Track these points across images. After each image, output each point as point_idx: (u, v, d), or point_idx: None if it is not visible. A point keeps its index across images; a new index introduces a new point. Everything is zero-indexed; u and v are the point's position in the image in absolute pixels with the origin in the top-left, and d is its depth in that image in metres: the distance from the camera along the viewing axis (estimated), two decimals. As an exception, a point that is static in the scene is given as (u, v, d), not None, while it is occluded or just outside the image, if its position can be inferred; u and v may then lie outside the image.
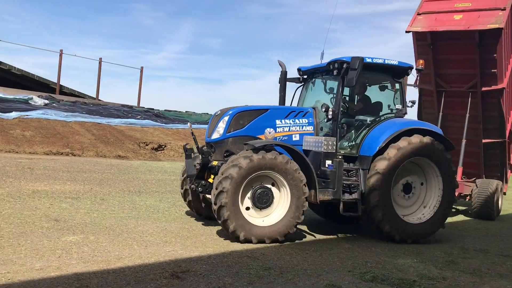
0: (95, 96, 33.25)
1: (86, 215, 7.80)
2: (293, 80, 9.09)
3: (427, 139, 7.80)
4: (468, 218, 11.32)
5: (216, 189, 6.66)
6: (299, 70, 9.08)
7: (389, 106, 8.53)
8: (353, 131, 8.16)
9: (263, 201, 6.98)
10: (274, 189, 7.07)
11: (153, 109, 32.52)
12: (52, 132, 20.57)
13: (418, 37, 11.10)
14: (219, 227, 7.66)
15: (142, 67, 36.39)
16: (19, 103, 24.34)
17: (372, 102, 8.66)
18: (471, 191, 11.11)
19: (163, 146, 22.55)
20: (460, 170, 11.07)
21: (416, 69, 8.61)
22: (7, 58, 50.81)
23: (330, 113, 7.72)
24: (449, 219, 10.02)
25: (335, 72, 7.93)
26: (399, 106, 8.45)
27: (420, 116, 12.34)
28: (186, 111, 34.46)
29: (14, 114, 21.61)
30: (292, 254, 6.32)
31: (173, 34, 79.68)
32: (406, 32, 11.00)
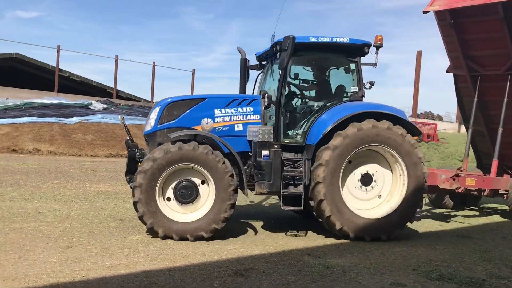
0: (149, 99, 34.23)
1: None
2: (253, 67, 8.48)
3: (382, 123, 6.96)
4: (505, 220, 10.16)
5: (133, 183, 6.51)
6: (256, 55, 8.49)
7: (344, 89, 7.73)
8: (300, 119, 7.48)
9: (185, 196, 6.56)
10: (200, 183, 6.69)
11: (205, 110, 33.01)
12: (111, 135, 21.37)
13: (439, 17, 10.15)
14: (277, 225, 7.72)
15: (193, 70, 37.16)
16: (79, 108, 25.45)
17: (325, 85, 7.91)
18: (509, 188, 9.76)
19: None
20: (495, 163, 10.00)
21: (374, 46, 7.53)
22: (67, 65, 53.55)
23: (266, 100, 7.15)
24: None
25: (278, 55, 7.32)
26: (354, 89, 7.61)
27: (460, 104, 11.37)
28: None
29: (75, 119, 22.64)
30: (353, 253, 6.26)
31: (222, 35, 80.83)
32: (424, 12, 9.99)
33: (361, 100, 7.55)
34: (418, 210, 7.46)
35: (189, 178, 6.62)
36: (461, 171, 9.68)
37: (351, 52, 7.53)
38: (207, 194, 6.66)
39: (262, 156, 6.96)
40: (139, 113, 27.12)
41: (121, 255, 5.52)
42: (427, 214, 9.95)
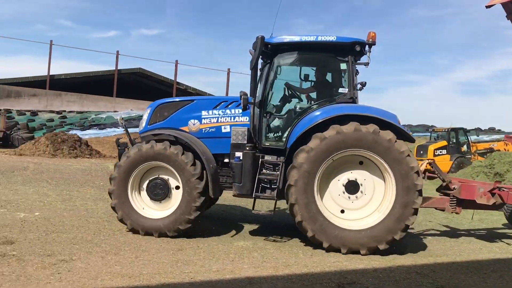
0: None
1: (254, 223, 8.27)
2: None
3: (368, 127, 6.34)
4: None
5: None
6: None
7: (335, 90, 7.14)
8: (284, 121, 7.13)
9: (156, 193, 6.78)
10: (173, 182, 6.82)
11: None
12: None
13: (506, 10, 8.69)
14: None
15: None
16: (193, 118, 26.95)
17: (314, 87, 7.46)
18: None
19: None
20: None
21: (367, 43, 6.90)
22: (184, 78, 57.27)
23: (242, 101, 6.71)
24: None
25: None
26: (343, 90, 7.00)
27: None
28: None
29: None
30: (467, 273, 5.82)
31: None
32: (487, 7, 8.62)
33: (351, 102, 6.96)
34: (409, 226, 6.52)
35: (162, 176, 6.85)
36: (500, 183, 8.03)
37: (341, 51, 7.00)
38: (179, 194, 6.78)
39: (234, 158, 6.98)
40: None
41: (227, 260, 5.72)
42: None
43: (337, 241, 6.38)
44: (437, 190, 8.12)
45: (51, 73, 31.83)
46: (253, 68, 6.77)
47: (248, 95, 6.76)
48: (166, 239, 6.57)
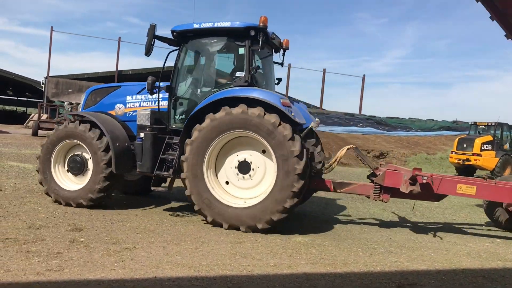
0: (319, 106, 34.81)
1: (312, 219, 8.20)
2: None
3: (254, 110, 6.57)
4: None
5: None
6: None
7: (233, 74, 7.39)
8: (188, 104, 7.54)
9: (74, 167, 7.63)
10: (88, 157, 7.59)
11: (374, 116, 32.32)
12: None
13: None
14: (448, 243, 7.16)
15: (364, 75, 36.53)
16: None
17: (215, 71, 7.77)
18: None
19: (385, 154, 22.20)
20: None
21: (258, 28, 7.00)
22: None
23: (147, 86, 7.35)
24: None
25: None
26: (240, 74, 7.21)
27: None
28: (409, 118, 33.24)
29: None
30: (540, 281, 5.46)
31: (396, 39, 78.18)
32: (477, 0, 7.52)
33: (246, 85, 7.08)
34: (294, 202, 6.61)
35: (79, 153, 7.68)
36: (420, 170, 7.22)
37: (238, 36, 7.22)
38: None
39: (137, 138, 7.53)
40: (308, 119, 27.78)
41: (284, 255, 5.71)
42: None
43: (220, 217, 6.76)
44: (367, 177, 7.84)
45: (119, 69, 33.18)
46: (146, 53, 7.24)
47: (152, 79, 7.38)
48: (225, 231, 6.66)
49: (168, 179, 7.87)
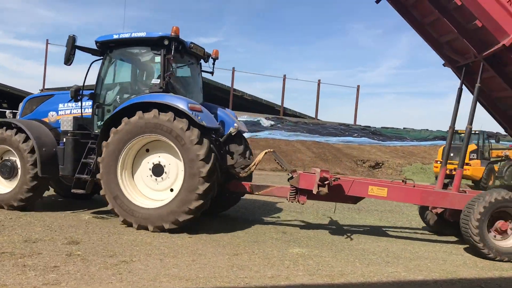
0: (314, 116, 34.95)
1: (309, 229, 8.21)
2: None
3: (165, 115, 6.96)
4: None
5: None
6: None
7: (150, 81, 7.90)
8: (109, 111, 7.95)
9: (4, 171, 8.03)
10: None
11: (369, 126, 32.47)
12: (277, 150, 22.32)
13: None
14: (445, 253, 7.18)
15: (358, 86, 36.73)
16: (250, 125, 27.21)
17: (135, 79, 8.30)
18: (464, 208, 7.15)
19: (380, 164, 22.27)
20: (458, 174, 7.65)
21: (170, 38, 7.56)
22: (240, 85, 58.14)
23: (70, 93, 7.90)
24: None
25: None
26: (155, 81, 7.71)
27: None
28: (404, 128, 33.41)
29: (246, 135, 24.21)
30: (536, 290, 5.48)
31: (390, 50, 78.79)
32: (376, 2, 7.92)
33: (161, 92, 7.51)
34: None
35: (11, 158, 8.04)
36: (328, 172, 7.45)
37: (154, 46, 7.70)
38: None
39: (60, 143, 7.93)
40: (304, 130, 27.86)
41: (281, 267, 5.71)
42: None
43: (130, 217, 7.10)
44: (288, 180, 7.97)
45: (114, 81, 33.30)
46: (66, 63, 7.72)
47: (76, 87, 7.90)
48: (222, 243, 6.66)
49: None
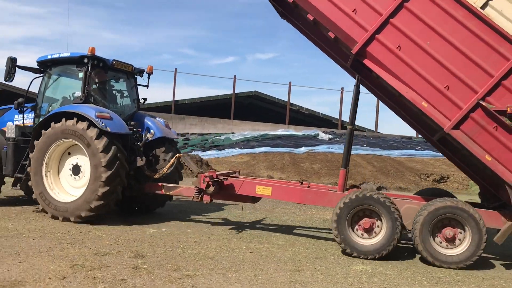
0: (374, 129, 34.22)
1: (372, 246, 7.98)
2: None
3: (81, 124, 8.16)
4: None
5: None
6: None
7: (75, 94, 9.18)
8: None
9: None
10: None
11: (433, 139, 31.26)
12: (336, 164, 22.01)
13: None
14: (522, 271, 6.74)
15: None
16: (307, 139, 27.08)
17: (62, 92, 9.63)
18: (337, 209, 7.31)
19: (445, 178, 21.35)
20: (342, 174, 8.01)
21: (88, 56, 8.85)
22: (297, 99, 58.17)
23: (14, 106, 9.41)
24: None
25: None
26: (77, 94, 9.01)
27: None
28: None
29: (303, 149, 24.16)
30: None
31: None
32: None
33: (81, 102, 8.74)
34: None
35: None
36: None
37: (78, 64, 8.99)
38: None
39: (4, 147, 9.20)
40: (363, 143, 27.31)
41: (345, 284, 5.58)
42: None
43: (54, 211, 8.33)
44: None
45: (175, 99, 34.26)
46: (6, 81, 9.27)
47: (19, 101, 9.33)
48: (283, 259, 6.61)
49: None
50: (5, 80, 9.29)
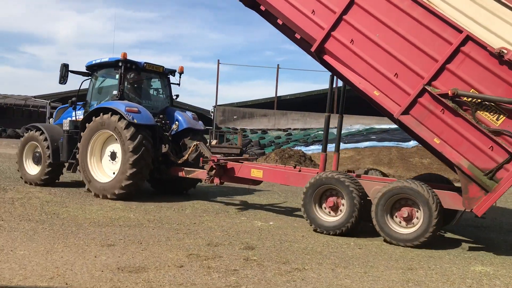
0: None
1: (490, 246, 7.42)
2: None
3: (114, 117, 9.72)
4: None
5: None
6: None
7: (112, 92, 10.76)
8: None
9: (35, 160, 11.52)
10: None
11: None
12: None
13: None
14: None
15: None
16: (416, 132, 25.89)
17: (106, 90, 11.20)
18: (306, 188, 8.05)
19: None
20: (322, 157, 9.29)
21: (121, 60, 10.38)
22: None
23: (69, 104, 11.47)
24: None
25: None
26: (115, 92, 10.53)
27: None
28: None
29: (412, 143, 23.10)
30: None
31: None
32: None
33: (117, 99, 10.31)
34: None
35: (38, 150, 11.45)
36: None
37: (115, 67, 10.62)
38: None
39: (60, 138, 10.94)
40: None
41: (463, 286, 5.25)
42: None
43: (96, 190, 10.03)
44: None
45: (278, 94, 34.66)
46: (60, 83, 11.01)
47: (73, 99, 11.35)
48: (394, 257, 6.40)
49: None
50: (59, 83, 10.95)
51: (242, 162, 9.65)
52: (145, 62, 10.76)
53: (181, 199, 10.67)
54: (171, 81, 11.68)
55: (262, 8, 8.56)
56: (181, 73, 11.65)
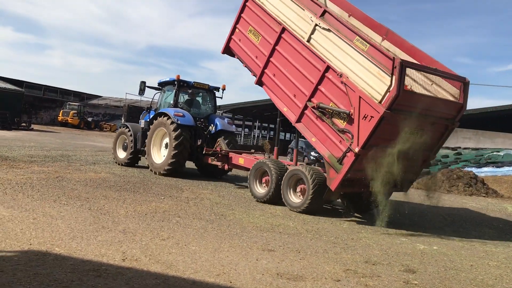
0: None
1: None
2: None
3: (165, 118, 14.05)
4: None
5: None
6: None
7: (170, 102, 15.30)
8: None
9: (123, 148, 16.28)
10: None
11: None
12: None
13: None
14: None
15: None
16: None
17: (168, 101, 15.75)
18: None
19: None
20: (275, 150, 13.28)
21: (176, 80, 15.05)
22: None
23: (146, 109, 16.68)
24: None
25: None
26: (171, 102, 15.03)
27: None
28: None
29: None
30: None
31: None
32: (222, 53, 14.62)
33: (172, 107, 14.80)
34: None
35: (126, 141, 16.07)
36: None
37: (173, 84, 15.17)
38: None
39: (138, 133, 15.38)
40: None
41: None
42: None
43: (153, 168, 14.28)
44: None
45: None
46: (139, 94, 15.65)
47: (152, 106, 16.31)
48: None
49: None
50: (139, 94, 15.62)
51: (240, 154, 13.34)
52: (194, 81, 15.20)
53: (336, 214, 10.63)
54: (216, 95, 16.00)
55: (236, 56, 12.87)
56: (223, 89, 15.88)
